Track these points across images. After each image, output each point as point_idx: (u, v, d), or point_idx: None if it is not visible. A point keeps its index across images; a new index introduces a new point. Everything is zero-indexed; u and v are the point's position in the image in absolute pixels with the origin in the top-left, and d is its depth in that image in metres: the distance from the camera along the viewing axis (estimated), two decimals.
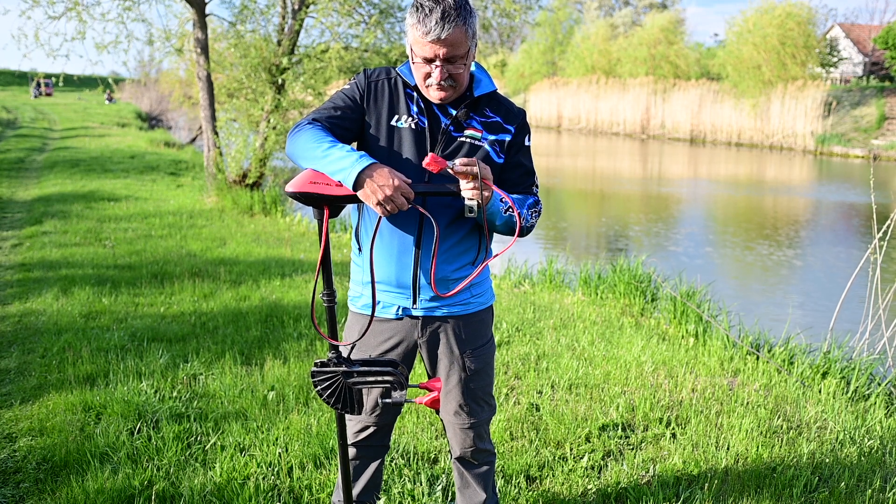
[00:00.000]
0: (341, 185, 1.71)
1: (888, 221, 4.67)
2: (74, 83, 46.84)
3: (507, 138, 1.98)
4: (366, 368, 1.82)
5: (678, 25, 42.21)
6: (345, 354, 1.92)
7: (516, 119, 2.01)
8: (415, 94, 1.95)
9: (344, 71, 10.92)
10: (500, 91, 2.09)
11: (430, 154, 1.69)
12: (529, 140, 2.05)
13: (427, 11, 1.78)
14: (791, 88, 30.92)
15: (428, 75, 1.86)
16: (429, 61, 1.83)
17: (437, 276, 1.97)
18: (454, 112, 1.94)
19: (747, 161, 26.22)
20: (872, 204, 5.33)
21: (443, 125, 1.94)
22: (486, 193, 1.76)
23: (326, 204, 1.73)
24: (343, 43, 11.06)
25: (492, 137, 1.96)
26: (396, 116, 1.94)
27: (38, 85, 44.59)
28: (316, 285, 1.80)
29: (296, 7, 10.85)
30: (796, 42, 31.59)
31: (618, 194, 16.89)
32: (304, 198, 1.72)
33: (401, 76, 1.97)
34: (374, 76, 1.98)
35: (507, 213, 1.88)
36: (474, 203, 1.75)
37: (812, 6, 33.01)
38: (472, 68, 2.01)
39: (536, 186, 2.07)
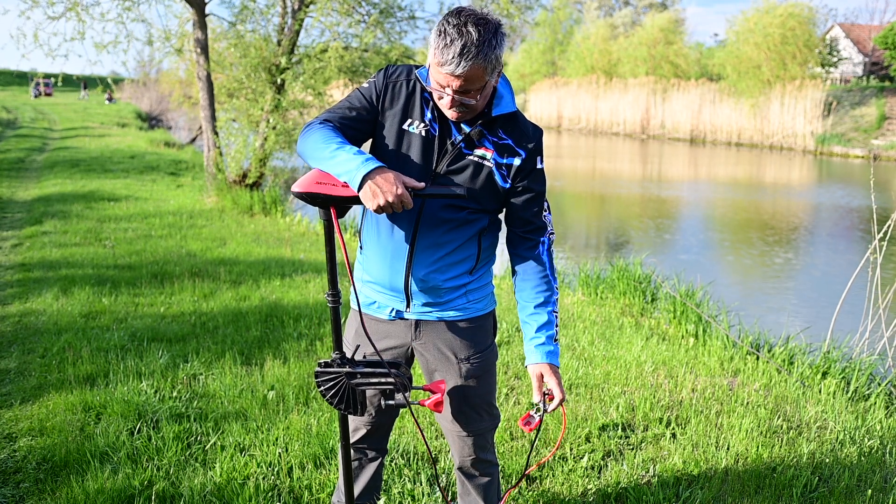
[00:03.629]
0: (347, 186, 1.70)
1: (889, 222, 4.66)
2: (74, 83, 46.84)
3: (516, 162, 1.92)
4: (369, 370, 1.82)
5: (678, 25, 42.20)
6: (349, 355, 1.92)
7: (529, 141, 1.93)
8: (432, 99, 1.89)
9: (344, 71, 10.92)
10: None
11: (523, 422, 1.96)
12: (542, 162, 1.98)
13: (448, 41, 1.70)
14: (791, 88, 30.92)
15: (441, 97, 1.82)
16: (442, 86, 1.79)
17: (428, 285, 1.95)
18: (469, 129, 1.88)
19: (747, 161, 26.22)
20: (872, 204, 5.33)
21: (454, 138, 1.89)
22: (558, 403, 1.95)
23: (333, 205, 1.72)
24: (343, 42, 11.05)
25: (500, 160, 1.91)
26: (409, 121, 1.89)
27: (72, 88, 43.79)
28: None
29: (295, 7, 10.85)
30: (797, 42, 31.58)
31: (618, 195, 16.89)
32: (310, 198, 1.71)
33: (419, 80, 1.90)
34: (394, 76, 1.92)
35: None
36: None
37: (813, 6, 32.94)
38: (498, 82, 1.91)
39: (547, 212, 2.02)
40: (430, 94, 1.89)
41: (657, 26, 41.39)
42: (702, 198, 16.70)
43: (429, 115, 1.89)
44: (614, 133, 38.93)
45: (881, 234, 4.69)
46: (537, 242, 2.03)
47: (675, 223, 13.30)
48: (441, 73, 1.75)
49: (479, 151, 1.89)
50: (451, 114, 1.84)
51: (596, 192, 17.43)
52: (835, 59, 40.15)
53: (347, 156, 1.72)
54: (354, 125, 1.88)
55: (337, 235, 1.73)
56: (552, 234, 2.07)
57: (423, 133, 1.88)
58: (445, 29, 1.72)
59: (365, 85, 1.94)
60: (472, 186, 1.89)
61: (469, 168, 1.89)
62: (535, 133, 1.96)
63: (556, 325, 2.03)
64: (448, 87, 1.77)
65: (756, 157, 27.96)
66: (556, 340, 2.00)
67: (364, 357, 1.97)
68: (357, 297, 1.85)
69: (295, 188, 1.71)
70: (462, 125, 1.90)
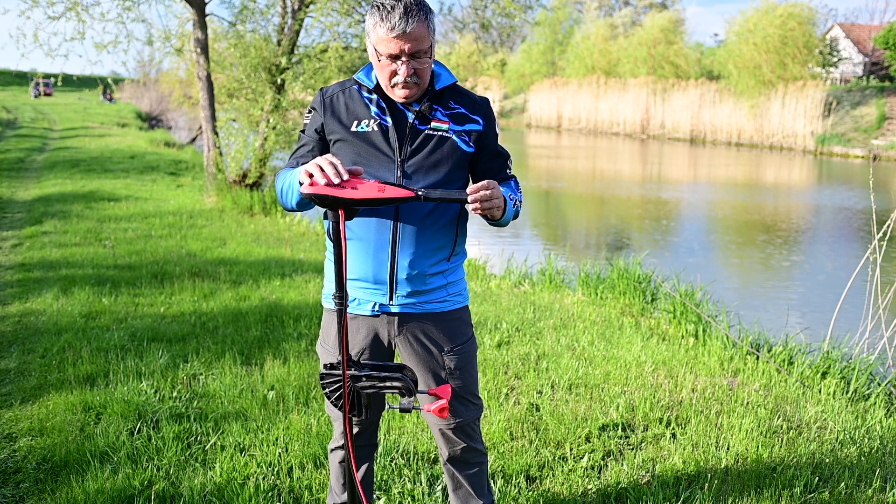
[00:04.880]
0: (356, 189, 1.72)
1: (888, 221, 4.66)
2: (74, 83, 46.91)
3: (477, 129, 2.03)
4: (375, 373, 1.82)
5: (678, 25, 42.21)
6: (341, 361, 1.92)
7: (481, 108, 2.06)
8: (374, 96, 1.98)
9: (344, 71, 10.91)
10: (497, 90, 2.12)
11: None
12: (498, 126, 2.11)
13: (389, 9, 1.82)
14: (791, 88, 30.91)
15: (394, 74, 1.89)
16: (394, 58, 1.86)
17: (414, 272, 1.99)
18: (418, 107, 1.98)
19: (747, 161, 26.21)
20: (872, 204, 5.33)
21: (409, 121, 1.97)
22: (498, 208, 1.83)
23: (342, 207, 1.72)
24: (343, 42, 11.05)
25: (458, 128, 2.00)
26: (357, 122, 1.97)
27: (105, 91, 42.91)
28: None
29: (295, 7, 10.85)
30: (797, 42, 31.57)
31: (618, 196, 16.89)
32: (318, 199, 1.71)
33: (358, 82, 2.01)
34: (329, 93, 2.04)
35: (515, 206, 2.00)
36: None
37: (812, 6, 32.90)
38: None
39: (510, 168, 2.13)
40: (372, 91, 1.99)
41: (657, 26, 41.40)
42: (702, 199, 16.69)
43: (375, 110, 1.98)
44: (614, 133, 38.93)
45: (881, 234, 4.69)
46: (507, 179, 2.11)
47: (675, 224, 13.29)
48: (391, 40, 1.83)
49: (435, 125, 1.98)
50: (402, 93, 1.92)
51: (596, 193, 17.42)
52: (835, 59, 40.13)
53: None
54: (319, 154, 1.99)
55: (343, 239, 1.73)
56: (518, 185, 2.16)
57: (376, 128, 1.96)
58: (381, 3, 1.84)
59: (307, 117, 2.06)
60: (438, 158, 1.97)
61: (431, 142, 1.97)
62: (483, 101, 2.09)
63: (514, 199, 2.00)
64: (402, 53, 1.85)
65: (756, 157, 27.96)
66: (511, 199, 1.96)
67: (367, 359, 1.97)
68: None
69: (304, 189, 1.71)
70: (412, 105, 1.99)
